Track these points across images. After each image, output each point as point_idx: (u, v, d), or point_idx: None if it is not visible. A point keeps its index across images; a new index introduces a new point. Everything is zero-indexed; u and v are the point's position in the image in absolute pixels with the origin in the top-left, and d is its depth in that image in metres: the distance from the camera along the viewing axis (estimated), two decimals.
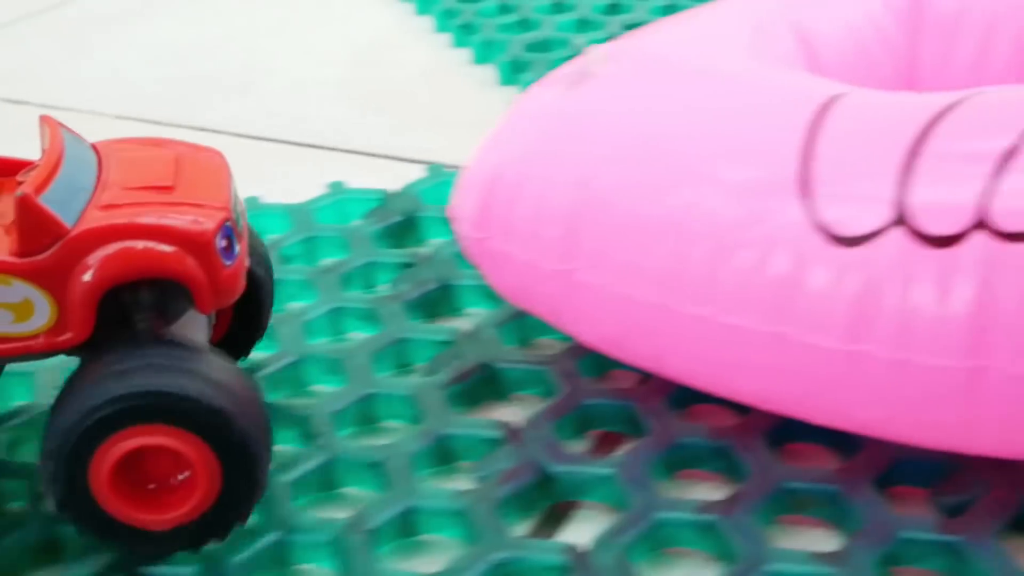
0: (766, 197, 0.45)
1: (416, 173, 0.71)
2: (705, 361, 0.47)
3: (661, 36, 0.55)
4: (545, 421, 0.51)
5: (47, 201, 0.43)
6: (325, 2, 1.06)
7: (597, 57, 0.53)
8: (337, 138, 0.80)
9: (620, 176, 0.48)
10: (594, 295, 0.49)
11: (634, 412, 0.51)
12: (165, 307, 0.45)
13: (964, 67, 0.59)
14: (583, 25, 0.93)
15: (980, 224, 0.42)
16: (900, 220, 0.43)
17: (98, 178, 0.45)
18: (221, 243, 0.44)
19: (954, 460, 0.47)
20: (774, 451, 0.49)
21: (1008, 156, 0.43)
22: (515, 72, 0.86)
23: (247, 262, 0.47)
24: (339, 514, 0.48)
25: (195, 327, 0.47)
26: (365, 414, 0.53)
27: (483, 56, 0.90)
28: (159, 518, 0.44)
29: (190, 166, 0.47)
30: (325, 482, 0.50)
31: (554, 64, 0.79)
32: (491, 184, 0.52)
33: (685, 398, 0.51)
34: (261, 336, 0.53)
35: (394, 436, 0.52)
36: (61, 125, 0.46)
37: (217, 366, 0.43)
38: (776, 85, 0.49)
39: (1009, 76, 0.58)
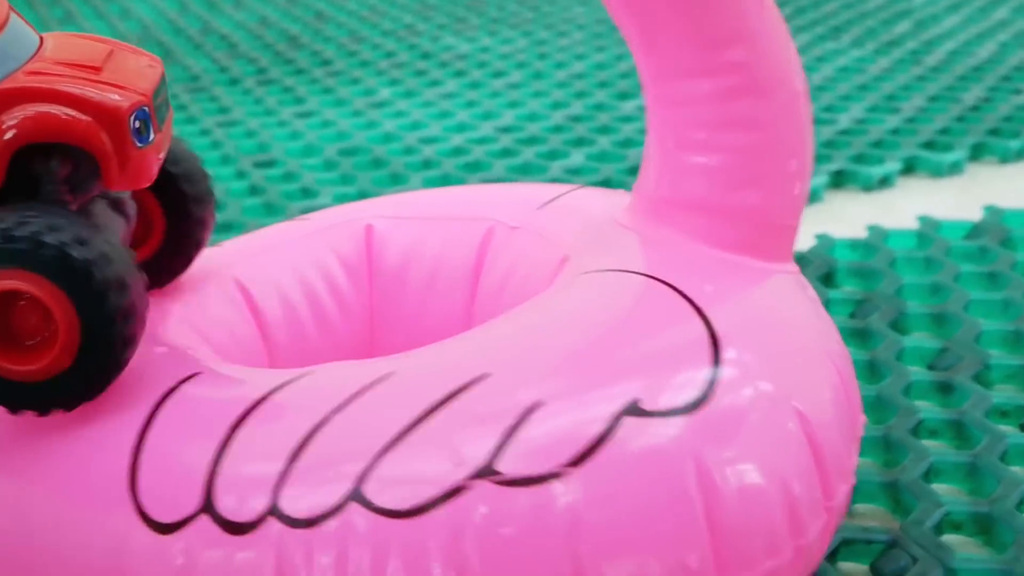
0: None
1: None
2: None
3: None
4: None
5: None
6: None
7: None
8: None
9: None
10: None
11: None
12: (77, 182, 0.47)
13: (411, 316, 0.63)
14: None
15: (272, 511, 0.45)
16: (206, 508, 0.46)
17: (34, 54, 0.49)
18: (135, 124, 0.46)
19: None
20: None
21: (301, 445, 0.46)
22: None
23: (161, 157, 0.49)
24: None
25: (109, 221, 0.49)
26: None
27: None
28: (16, 367, 0.45)
29: (123, 59, 0.50)
30: None
31: None
32: None
33: None
34: (185, 266, 0.56)
35: None
36: (13, 11, 0.49)
37: (100, 236, 0.45)
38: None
39: (449, 320, 0.62)
